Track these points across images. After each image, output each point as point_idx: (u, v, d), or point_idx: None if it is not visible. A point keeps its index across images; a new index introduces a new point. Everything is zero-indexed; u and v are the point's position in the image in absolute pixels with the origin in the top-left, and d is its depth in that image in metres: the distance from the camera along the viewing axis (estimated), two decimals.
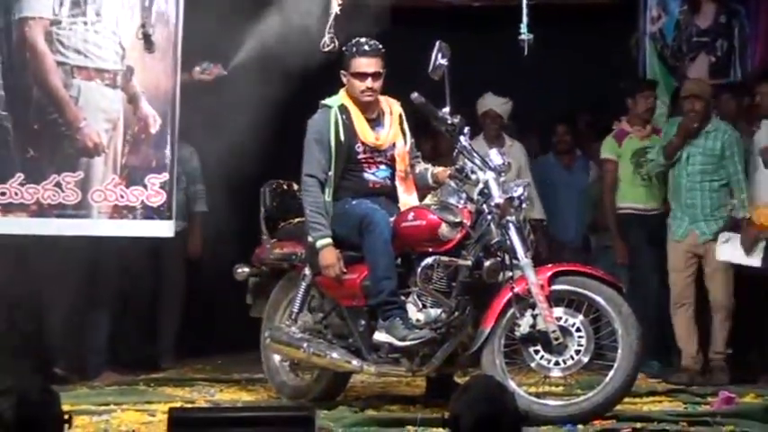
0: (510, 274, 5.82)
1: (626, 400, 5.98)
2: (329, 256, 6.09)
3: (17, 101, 7.18)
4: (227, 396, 6.83)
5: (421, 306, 5.96)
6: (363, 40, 6.29)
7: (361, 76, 6.19)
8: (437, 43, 6.12)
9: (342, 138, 6.17)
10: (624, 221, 8.07)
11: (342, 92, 6.30)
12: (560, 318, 5.74)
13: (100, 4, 7.24)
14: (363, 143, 6.22)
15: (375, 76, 6.19)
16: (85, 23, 7.23)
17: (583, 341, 5.73)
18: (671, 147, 7.53)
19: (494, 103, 8.50)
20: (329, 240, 6.09)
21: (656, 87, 8.20)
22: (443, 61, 6.08)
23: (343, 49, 6.38)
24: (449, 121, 6.05)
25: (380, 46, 6.26)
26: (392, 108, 6.33)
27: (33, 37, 7.17)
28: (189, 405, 6.30)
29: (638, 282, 7.84)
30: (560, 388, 6.35)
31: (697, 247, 7.51)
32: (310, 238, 6.14)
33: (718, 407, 6.16)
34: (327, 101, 6.28)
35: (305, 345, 6.24)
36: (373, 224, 5.98)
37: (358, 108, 6.24)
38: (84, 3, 7.22)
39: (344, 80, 6.27)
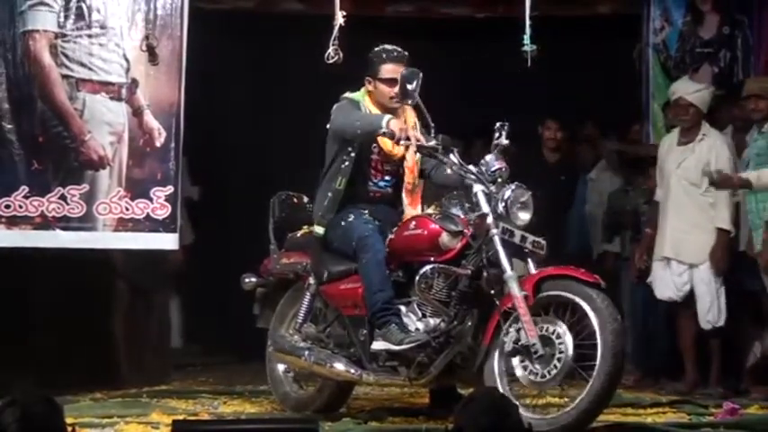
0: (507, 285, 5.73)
1: (630, 411, 5.95)
2: (397, 121, 5.95)
3: (22, 114, 7.19)
4: (231, 408, 6.82)
5: (421, 315, 5.94)
6: (390, 46, 6.22)
7: (391, 81, 6.13)
8: (399, 74, 6.02)
9: None
10: None
11: (364, 95, 6.23)
12: (542, 327, 5.62)
13: (104, 17, 7.26)
14: (380, 147, 6.18)
15: None
16: (90, 36, 7.25)
17: (563, 347, 5.55)
18: None
19: (685, 90, 7.66)
20: (388, 116, 5.97)
21: None
22: (411, 87, 5.97)
23: (370, 54, 6.24)
24: (432, 144, 5.95)
25: (406, 53, 6.21)
26: (407, 119, 6.21)
27: (38, 50, 7.19)
28: (192, 417, 6.31)
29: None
30: (564, 399, 6.31)
31: None
32: (377, 127, 5.94)
33: (723, 417, 6.15)
34: (351, 95, 6.22)
35: (306, 353, 6.24)
36: (368, 246, 5.98)
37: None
38: (88, 16, 7.24)
39: (369, 86, 6.21)
